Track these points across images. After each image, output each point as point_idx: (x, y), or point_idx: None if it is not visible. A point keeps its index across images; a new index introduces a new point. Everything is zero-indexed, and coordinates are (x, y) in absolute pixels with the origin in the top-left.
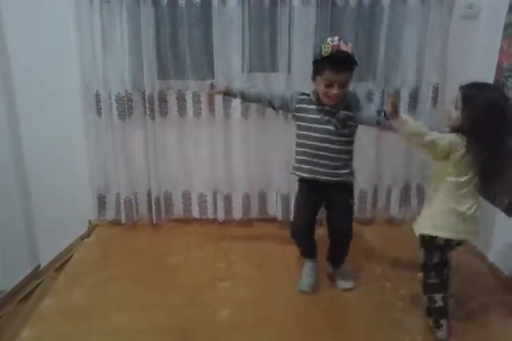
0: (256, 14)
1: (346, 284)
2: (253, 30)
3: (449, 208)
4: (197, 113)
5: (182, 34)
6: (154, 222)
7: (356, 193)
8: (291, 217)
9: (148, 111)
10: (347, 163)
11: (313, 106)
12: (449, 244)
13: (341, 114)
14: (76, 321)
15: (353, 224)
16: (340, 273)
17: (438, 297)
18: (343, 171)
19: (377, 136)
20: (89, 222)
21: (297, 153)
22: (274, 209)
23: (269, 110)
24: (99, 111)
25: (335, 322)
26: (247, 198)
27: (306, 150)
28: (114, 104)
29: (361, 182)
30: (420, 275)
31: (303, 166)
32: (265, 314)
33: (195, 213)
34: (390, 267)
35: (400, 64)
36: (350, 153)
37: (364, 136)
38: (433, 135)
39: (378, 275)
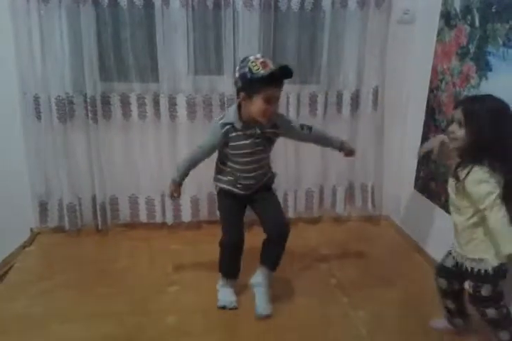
0: (200, 17)
1: (266, 309)
2: (197, 32)
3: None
4: (142, 115)
5: (124, 36)
6: (100, 227)
7: (303, 193)
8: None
9: (90, 114)
10: (267, 168)
11: (239, 133)
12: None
13: (269, 133)
14: (18, 332)
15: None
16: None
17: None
18: (269, 175)
19: None
20: (31, 230)
21: (222, 170)
22: None
23: (216, 113)
24: (38, 115)
25: (284, 325)
26: (195, 201)
27: (236, 172)
28: (54, 107)
29: (308, 182)
30: None
31: (225, 180)
32: (214, 320)
33: (143, 217)
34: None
35: (341, 67)
36: (268, 160)
37: None
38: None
39: (325, 271)
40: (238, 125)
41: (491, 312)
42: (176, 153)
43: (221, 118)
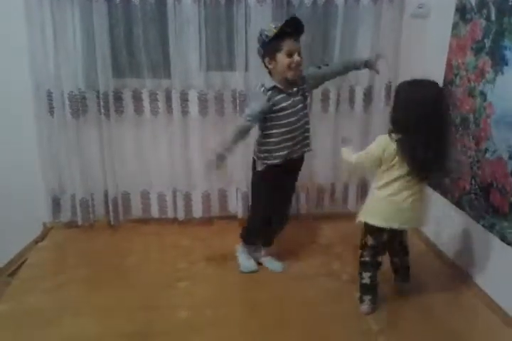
0: (212, 12)
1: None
2: (209, 28)
3: (384, 199)
4: (154, 111)
5: (137, 32)
6: (112, 223)
7: (315, 189)
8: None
9: (103, 110)
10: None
11: (282, 95)
12: (381, 230)
13: (304, 89)
14: (31, 327)
15: None
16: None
17: (366, 275)
18: (309, 138)
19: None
20: (44, 225)
21: (273, 143)
22: (235, 206)
23: (227, 109)
24: (51, 110)
25: (293, 318)
26: (207, 196)
27: (285, 136)
28: (67, 103)
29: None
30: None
31: (280, 153)
32: (225, 314)
33: (155, 213)
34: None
35: None
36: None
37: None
38: (357, 158)
39: (337, 269)
40: (280, 86)
41: None
42: (187, 149)
43: (260, 87)
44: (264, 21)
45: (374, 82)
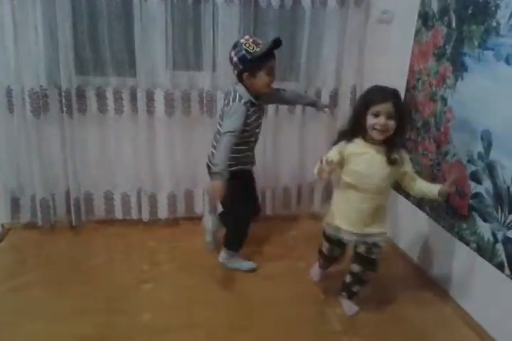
0: (179, 11)
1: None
2: (176, 27)
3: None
4: (118, 110)
5: (101, 28)
6: (74, 224)
7: (281, 190)
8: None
9: (65, 108)
10: None
11: (254, 108)
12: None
13: (264, 103)
14: None
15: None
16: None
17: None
18: None
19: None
20: (2, 226)
21: (239, 151)
22: (201, 207)
23: (194, 109)
24: (10, 108)
25: (260, 319)
26: (172, 197)
27: (248, 146)
28: (28, 100)
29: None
30: None
31: (243, 160)
32: (189, 315)
33: (118, 214)
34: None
35: (320, 65)
36: None
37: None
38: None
39: (301, 269)
40: (253, 100)
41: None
42: (153, 149)
43: (239, 100)
44: (231, 21)
45: (340, 85)
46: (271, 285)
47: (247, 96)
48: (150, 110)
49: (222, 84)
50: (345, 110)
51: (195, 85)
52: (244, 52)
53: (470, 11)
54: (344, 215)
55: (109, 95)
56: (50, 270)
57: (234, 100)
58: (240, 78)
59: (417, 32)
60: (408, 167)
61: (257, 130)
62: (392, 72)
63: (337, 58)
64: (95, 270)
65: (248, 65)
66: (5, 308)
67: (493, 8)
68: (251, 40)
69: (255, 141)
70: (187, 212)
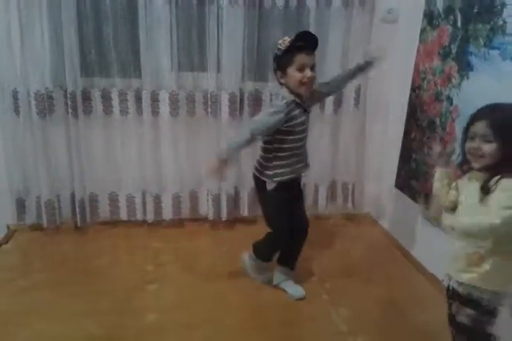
0: (184, 13)
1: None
2: (181, 28)
3: None
4: (123, 111)
5: (107, 31)
6: (79, 225)
7: None
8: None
9: (70, 110)
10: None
11: (298, 109)
12: None
13: (311, 106)
14: None
15: None
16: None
17: None
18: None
19: None
20: (8, 227)
21: (280, 158)
22: (206, 208)
23: (199, 110)
24: (17, 110)
25: (265, 319)
26: (177, 198)
27: (295, 152)
28: (34, 102)
29: None
30: None
31: (285, 170)
32: (195, 316)
33: (123, 215)
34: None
35: (325, 65)
36: None
37: None
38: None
39: (306, 269)
40: (298, 100)
41: None
42: (157, 150)
43: (282, 99)
44: (236, 22)
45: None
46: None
47: (290, 96)
48: (155, 111)
49: (227, 85)
50: (349, 110)
51: (199, 86)
52: (276, 50)
53: (476, 10)
54: None
55: (115, 97)
56: (56, 271)
57: (276, 99)
58: (278, 80)
59: (423, 31)
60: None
61: (304, 134)
62: (397, 71)
63: (342, 58)
64: (100, 271)
65: (278, 62)
66: (14, 308)
67: (499, 6)
68: (288, 39)
69: (301, 147)
70: (192, 213)
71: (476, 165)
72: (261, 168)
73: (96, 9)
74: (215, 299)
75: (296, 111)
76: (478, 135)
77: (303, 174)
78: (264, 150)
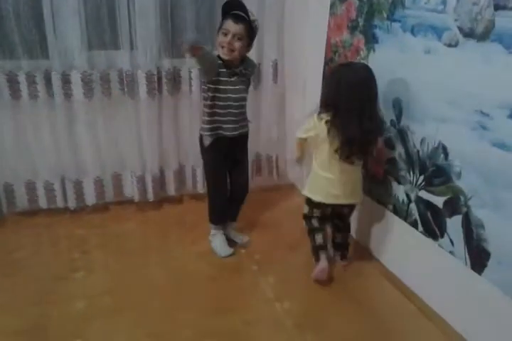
0: None
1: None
2: (89, 4)
3: (319, 175)
4: (33, 95)
5: (6, 8)
6: None
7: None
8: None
9: None
10: (245, 115)
11: (224, 70)
12: (320, 204)
13: (248, 74)
14: None
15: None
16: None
17: (318, 236)
18: (244, 120)
19: None
20: None
21: (209, 114)
22: (131, 190)
23: (114, 90)
24: None
25: (195, 296)
26: (99, 182)
27: (218, 111)
28: None
29: None
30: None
31: (213, 126)
32: (124, 299)
33: (43, 203)
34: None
35: None
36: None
37: None
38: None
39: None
40: (222, 62)
41: None
42: (73, 133)
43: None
44: None
45: (262, 60)
46: (204, 260)
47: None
48: (67, 93)
49: (143, 64)
50: (268, 85)
51: (113, 65)
52: None
53: None
54: None
55: (22, 80)
56: None
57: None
58: None
59: (332, 5)
60: None
61: (229, 95)
62: (311, 45)
63: (257, 34)
64: (22, 262)
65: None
66: None
67: None
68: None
69: (236, 108)
70: (116, 196)
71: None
72: (201, 122)
73: None
74: (143, 282)
75: (223, 70)
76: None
77: (235, 133)
78: (203, 105)
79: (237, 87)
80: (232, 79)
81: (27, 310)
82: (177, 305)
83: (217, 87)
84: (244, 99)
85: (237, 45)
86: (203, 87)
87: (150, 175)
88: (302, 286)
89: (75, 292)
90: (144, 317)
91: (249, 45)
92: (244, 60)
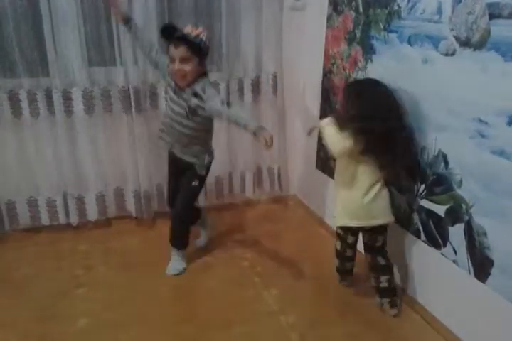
0: (90, 6)
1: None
2: (89, 23)
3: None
4: (34, 113)
5: (7, 27)
6: None
7: (212, 180)
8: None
9: None
10: (197, 147)
11: (173, 85)
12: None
13: (192, 102)
14: None
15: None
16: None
17: (384, 278)
18: (192, 150)
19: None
20: None
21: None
22: (132, 206)
23: (115, 105)
24: None
25: (200, 310)
26: (101, 197)
27: (162, 126)
28: None
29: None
30: None
31: (164, 135)
32: (127, 314)
33: (45, 220)
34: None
35: (241, 55)
36: (201, 138)
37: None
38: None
39: (238, 254)
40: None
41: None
42: (75, 150)
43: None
44: (147, 13)
45: (261, 73)
46: (205, 274)
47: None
48: (68, 110)
49: (131, 79)
50: (268, 97)
51: (113, 81)
52: None
53: None
54: None
55: (23, 98)
56: None
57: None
58: None
59: (329, 17)
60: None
61: (170, 113)
62: (309, 57)
63: (256, 47)
64: (25, 280)
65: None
66: None
67: None
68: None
69: (167, 124)
70: (118, 212)
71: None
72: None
73: None
74: (145, 296)
75: (172, 87)
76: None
77: (177, 153)
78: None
79: (175, 109)
80: (175, 98)
81: (30, 327)
82: (179, 319)
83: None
84: (187, 127)
85: (186, 68)
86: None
87: (148, 190)
88: (305, 298)
89: (78, 308)
90: (147, 332)
91: (200, 63)
92: (197, 80)
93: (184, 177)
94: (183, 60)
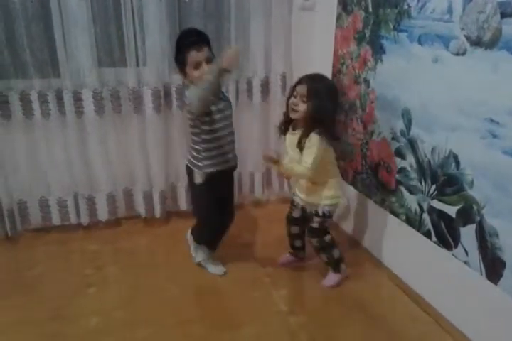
0: (100, 7)
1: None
2: (99, 24)
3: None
4: (45, 114)
5: (19, 29)
6: (9, 234)
7: None
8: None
9: None
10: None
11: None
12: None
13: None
14: None
15: None
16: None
17: (336, 251)
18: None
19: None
20: None
21: (208, 149)
22: (141, 206)
23: (125, 106)
24: None
25: (209, 309)
26: (111, 197)
27: (219, 143)
28: None
29: None
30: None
31: (215, 161)
32: (136, 313)
33: (56, 220)
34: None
35: (250, 55)
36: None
37: None
38: (311, 165)
39: (247, 255)
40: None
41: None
42: (85, 150)
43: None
44: (155, 15)
45: (270, 73)
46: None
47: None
48: (79, 111)
49: (147, 80)
50: (277, 98)
51: (123, 82)
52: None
53: None
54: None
55: (34, 99)
56: None
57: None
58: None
59: (338, 17)
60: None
61: (225, 123)
62: (318, 57)
63: (265, 47)
64: (37, 279)
65: (177, 63)
66: None
67: None
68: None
69: (225, 138)
70: (128, 212)
71: (292, 116)
72: (192, 158)
73: (4, 8)
74: (155, 296)
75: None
76: (299, 94)
77: (228, 165)
78: (193, 141)
79: (227, 112)
80: (220, 106)
81: (42, 327)
82: (190, 319)
83: (214, 117)
84: (231, 124)
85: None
86: (191, 123)
87: (158, 190)
88: (315, 299)
89: (89, 308)
90: (158, 332)
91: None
92: None
93: (231, 190)
94: (208, 61)
